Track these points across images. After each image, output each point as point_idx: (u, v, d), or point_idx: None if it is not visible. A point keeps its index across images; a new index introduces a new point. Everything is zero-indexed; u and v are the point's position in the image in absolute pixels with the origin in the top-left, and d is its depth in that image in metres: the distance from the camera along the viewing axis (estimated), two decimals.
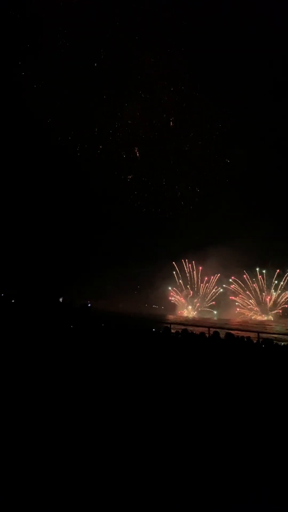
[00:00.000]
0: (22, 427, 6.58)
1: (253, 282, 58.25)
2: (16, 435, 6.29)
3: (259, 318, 57.44)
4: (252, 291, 58.41)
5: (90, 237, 58.69)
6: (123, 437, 6.32)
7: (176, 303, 60.00)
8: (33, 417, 7.03)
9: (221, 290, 59.04)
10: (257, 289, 58.53)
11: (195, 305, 59.27)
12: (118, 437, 6.31)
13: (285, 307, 57.77)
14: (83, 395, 8.19)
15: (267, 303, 57.78)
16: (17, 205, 55.12)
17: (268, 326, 51.26)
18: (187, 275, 59.97)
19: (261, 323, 50.88)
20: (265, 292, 58.06)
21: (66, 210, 58.52)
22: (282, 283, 57.40)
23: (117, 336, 15.68)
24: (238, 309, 59.04)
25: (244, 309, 59.06)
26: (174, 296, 59.97)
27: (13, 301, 29.87)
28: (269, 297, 57.73)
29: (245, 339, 17.19)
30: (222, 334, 17.15)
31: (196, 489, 5.02)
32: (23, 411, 7.30)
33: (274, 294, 57.42)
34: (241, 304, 59.03)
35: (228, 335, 18.36)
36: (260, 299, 58.48)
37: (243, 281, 58.70)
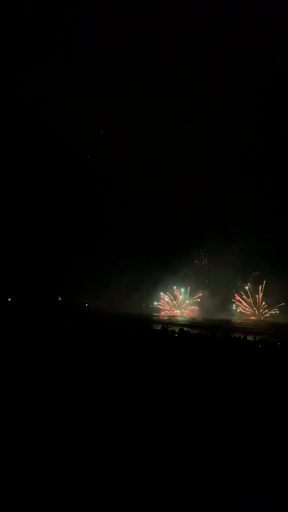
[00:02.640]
0: (21, 426, 6.55)
1: (255, 291, 58.02)
2: (16, 434, 6.26)
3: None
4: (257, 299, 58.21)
5: (91, 238, 58.54)
6: (123, 437, 6.31)
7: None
8: (32, 415, 7.00)
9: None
10: (258, 298, 58.33)
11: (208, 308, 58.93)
12: (118, 436, 6.30)
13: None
14: (82, 394, 8.18)
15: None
16: (16, 203, 54.95)
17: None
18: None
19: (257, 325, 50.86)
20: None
21: (67, 210, 58.38)
22: None
23: (115, 335, 15.68)
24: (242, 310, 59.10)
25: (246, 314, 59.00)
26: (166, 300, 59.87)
27: (9, 299, 29.80)
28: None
29: (242, 338, 17.31)
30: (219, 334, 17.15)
31: (196, 489, 5.03)
32: (22, 409, 7.28)
33: None
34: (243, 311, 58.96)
35: (225, 334, 18.43)
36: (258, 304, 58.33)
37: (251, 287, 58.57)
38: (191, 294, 59.78)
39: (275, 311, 57.89)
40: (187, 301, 59.91)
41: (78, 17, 57.21)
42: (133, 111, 58.87)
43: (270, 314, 57.96)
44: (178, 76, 61.76)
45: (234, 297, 59.72)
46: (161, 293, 59.58)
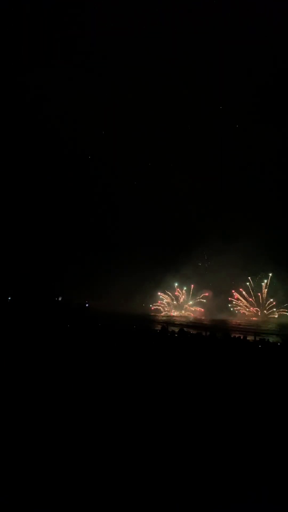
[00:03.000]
0: (21, 426, 6.56)
1: (258, 290, 57.47)
2: (15, 434, 6.27)
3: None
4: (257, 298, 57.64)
5: (91, 238, 58.59)
6: (123, 436, 6.32)
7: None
8: (32, 415, 7.01)
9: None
10: (261, 297, 57.80)
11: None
12: (118, 436, 6.31)
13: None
14: (82, 394, 8.18)
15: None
16: (16, 203, 55.02)
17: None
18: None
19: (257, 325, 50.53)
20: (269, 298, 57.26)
21: (67, 210, 58.48)
22: None
23: (115, 335, 15.70)
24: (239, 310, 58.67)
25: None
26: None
27: (9, 299, 29.81)
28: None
29: (241, 338, 17.29)
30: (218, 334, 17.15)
31: (196, 489, 5.03)
32: (22, 409, 7.29)
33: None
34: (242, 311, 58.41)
35: (225, 334, 18.41)
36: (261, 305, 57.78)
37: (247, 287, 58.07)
38: (194, 294, 59.28)
39: (280, 312, 57.30)
40: (190, 302, 59.38)
41: (78, 17, 57.19)
42: (133, 111, 58.91)
43: (276, 316, 57.34)
44: (178, 76, 61.83)
45: (233, 296, 59.10)
46: (159, 293, 59.13)
